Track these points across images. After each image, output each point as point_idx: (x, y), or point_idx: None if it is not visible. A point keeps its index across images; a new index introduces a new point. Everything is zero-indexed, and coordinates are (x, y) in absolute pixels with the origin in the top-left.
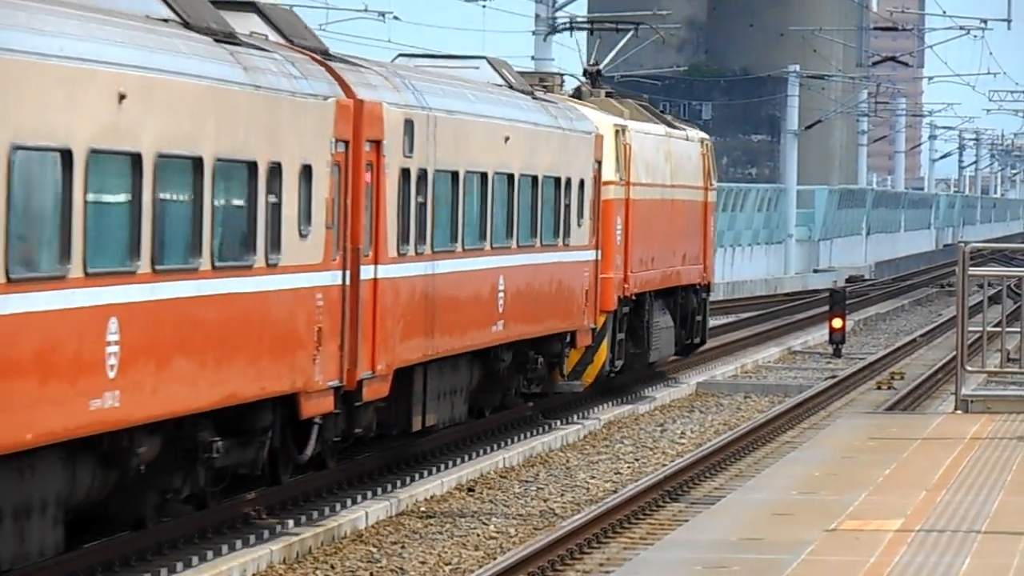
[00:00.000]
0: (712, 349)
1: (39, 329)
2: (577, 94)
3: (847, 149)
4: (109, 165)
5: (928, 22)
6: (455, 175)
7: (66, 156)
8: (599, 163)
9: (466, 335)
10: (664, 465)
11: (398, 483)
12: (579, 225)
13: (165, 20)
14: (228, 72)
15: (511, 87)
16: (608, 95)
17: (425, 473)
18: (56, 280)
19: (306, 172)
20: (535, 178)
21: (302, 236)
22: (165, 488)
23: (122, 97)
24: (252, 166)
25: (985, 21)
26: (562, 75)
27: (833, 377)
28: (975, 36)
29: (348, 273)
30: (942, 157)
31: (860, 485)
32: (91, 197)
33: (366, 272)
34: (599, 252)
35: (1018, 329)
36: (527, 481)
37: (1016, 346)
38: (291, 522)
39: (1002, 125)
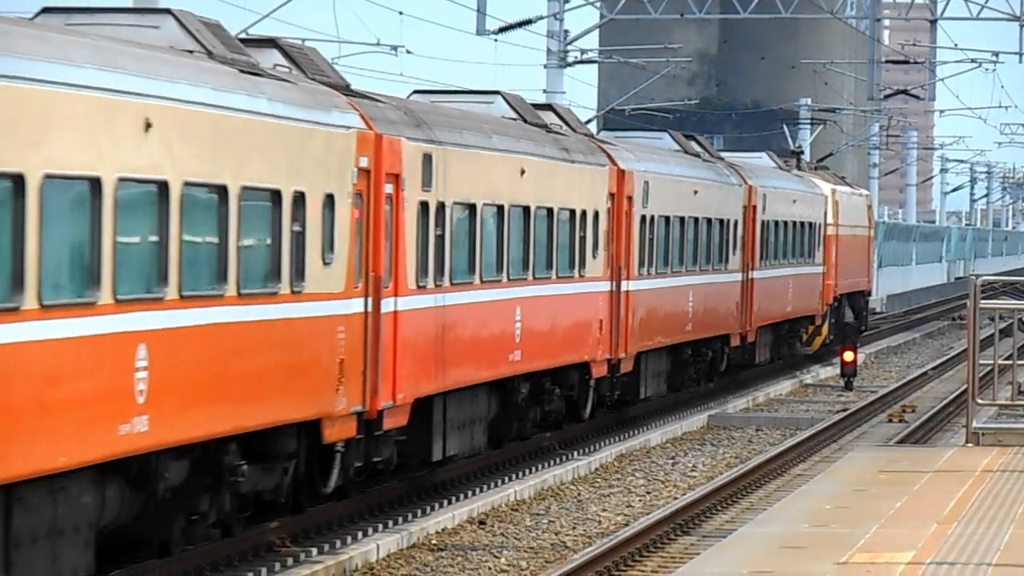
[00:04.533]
0: (724, 382)
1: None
2: (799, 167)
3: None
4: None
5: (939, 55)
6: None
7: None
8: (825, 212)
9: (783, 310)
10: (676, 498)
11: (409, 515)
12: (818, 250)
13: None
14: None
15: (793, 172)
16: (815, 169)
17: (436, 506)
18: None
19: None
20: (802, 223)
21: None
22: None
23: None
24: (276, 195)
25: (996, 54)
26: (796, 153)
27: (845, 410)
28: (986, 69)
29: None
30: (953, 190)
31: (871, 518)
32: None
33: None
34: (824, 267)
35: None
36: (539, 514)
37: None
38: (302, 554)
39: (1013, 158)
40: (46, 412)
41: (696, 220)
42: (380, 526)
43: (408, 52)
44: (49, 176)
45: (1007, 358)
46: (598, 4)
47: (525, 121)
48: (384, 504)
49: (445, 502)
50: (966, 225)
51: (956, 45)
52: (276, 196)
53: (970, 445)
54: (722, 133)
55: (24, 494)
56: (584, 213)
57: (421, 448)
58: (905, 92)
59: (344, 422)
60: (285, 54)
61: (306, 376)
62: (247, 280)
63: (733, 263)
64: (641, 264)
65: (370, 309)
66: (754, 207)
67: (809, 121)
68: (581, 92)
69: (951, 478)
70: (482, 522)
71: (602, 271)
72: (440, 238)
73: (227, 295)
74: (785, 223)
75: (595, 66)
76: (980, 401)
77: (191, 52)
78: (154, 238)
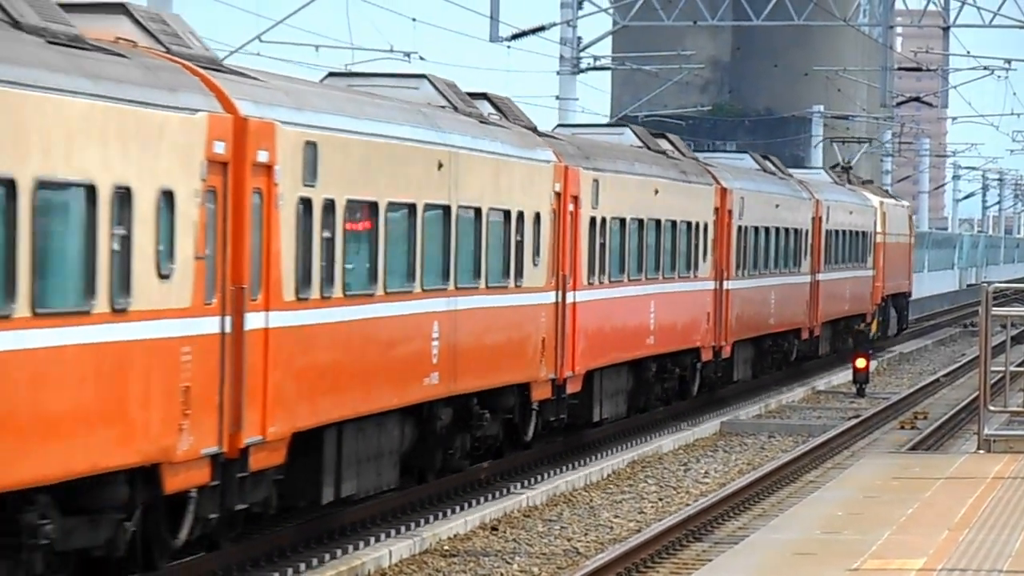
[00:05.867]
0: (735, 388)
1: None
2: (849, 181)
3: None
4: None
5: (952, 63)
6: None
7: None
8: (874, 222)
9: (841, 309)
10: (688, 504)
11: (422, 521)
12: (869, 255)
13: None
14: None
15: (847, 182)
16: (863, 183)
17: (449, 512)
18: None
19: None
20: (857, 232)
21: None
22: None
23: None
24: (507, 214)
25: (1009, 61)
26: (846, 168)
27: (857, 417)
28: (999, 76)
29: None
30: (966, 197)
31: (883, 524)
32: None
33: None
34: (874, 271)
35: None
36: (551, 520)
37: None
38: (315, 559)
39: None
40: (387, 367)
41: (777, 230)
42: (392, 532)
43: (421, 58)
44: (391, 203)
45: (1019, 365)
46: (611, 11)
47: (649, 149)
48: (396, 510)
49: (457, 508)
50: (978, 232)
51: (968, 52)
52: (507, 215)
53: (981, 452)
54: (735, 140)
55: (366, 426)
56: (698, 224)
57: (585, 411)
58: (918, 99)
59: (543, 386)
60: (493, 104)
61: (522, 349)
62: (491, 276)
63: (804, 267)
64: (737, 267)
65: (559, 300)
66: (820, 218)
67: (855, 139)
68: (594, 99)
69: (963, 485)
70: (494, 528)
71: (710, 272)
72: (602, 246)
73: (480, 287)
74: (844, 232)
75: (608, 73)
76: (992, 408)
77: (443, 107)
78: (443, 246)
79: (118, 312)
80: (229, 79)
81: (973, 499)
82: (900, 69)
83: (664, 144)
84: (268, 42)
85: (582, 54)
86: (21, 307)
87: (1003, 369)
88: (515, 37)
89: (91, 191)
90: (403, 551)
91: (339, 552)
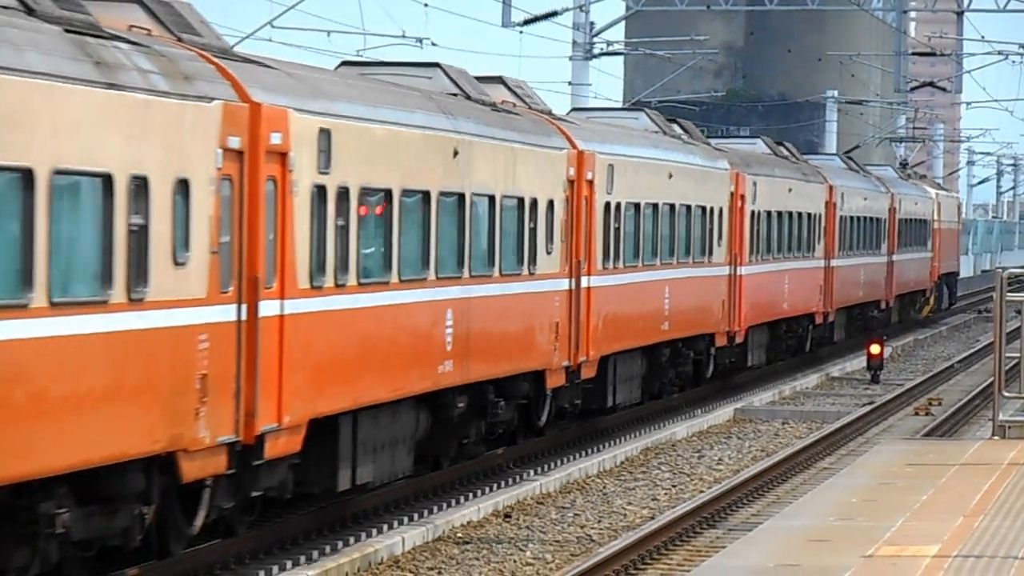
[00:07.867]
0: (749, 374)
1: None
2: (910, 177)
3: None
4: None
5: (966, 47)
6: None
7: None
8: (932, 211)
9: (908, 284)
10: (702, 491)
11: (435, 508)
12: (929, 239)
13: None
14: None
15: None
16: (920, 177)
17: (462, 499)
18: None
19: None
20: (919, 220)
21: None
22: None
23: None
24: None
25: (1023, 46)
26: (903, 164)
27: (871, 403)
28: (1013, 62)
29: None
30: (980, 183)
31: (897, 511)
32: None
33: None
34: (932, 253)
35: None
36: (564, 507)
37: None
38: (328, 547)
39: None
40: (642, 317)
41: (865, 219)
42: (406, 519)
43: (433, 44)
44: (644, 204)
45: None
46: None
47: (776, 155)
48: (410, 497)
49: (471, 495)
50: (992, 218)
51: (983, 37)
52: (704, 209)
53: (996, 438)
54: (748, 125)
55: (627, 358)
56: (813, 215)
57: (742, 358)
58: (932, 84)
59: (722, 336)
60: (681, 126)
61: (711, 308)
62: (695, 253)
63: (882, 249)
64: (840, 248)
65: (732, 273)
66: (894, 209)
67: (911, 139)
68: (607, 84)
69: (977, 471)
70: (507, 515)
71: (821, 253)
72: (757, 232)
73: (689, 261)
74: (910, 220)
75: (621, 58)
76: (1006, 394)
77: (655, 132)
78: (670, 231)
79: (531, 275)
80: (570, 125)
81: (988, 485)
82: (914, 54)
83: (784, 151)
84: (280, 27)
85: (595, 39)
86: (468, 273)
87: (1018, 355)
88: (527, 22)
89: (520, 201)
90: (416, 538)
91: (352, 539)
